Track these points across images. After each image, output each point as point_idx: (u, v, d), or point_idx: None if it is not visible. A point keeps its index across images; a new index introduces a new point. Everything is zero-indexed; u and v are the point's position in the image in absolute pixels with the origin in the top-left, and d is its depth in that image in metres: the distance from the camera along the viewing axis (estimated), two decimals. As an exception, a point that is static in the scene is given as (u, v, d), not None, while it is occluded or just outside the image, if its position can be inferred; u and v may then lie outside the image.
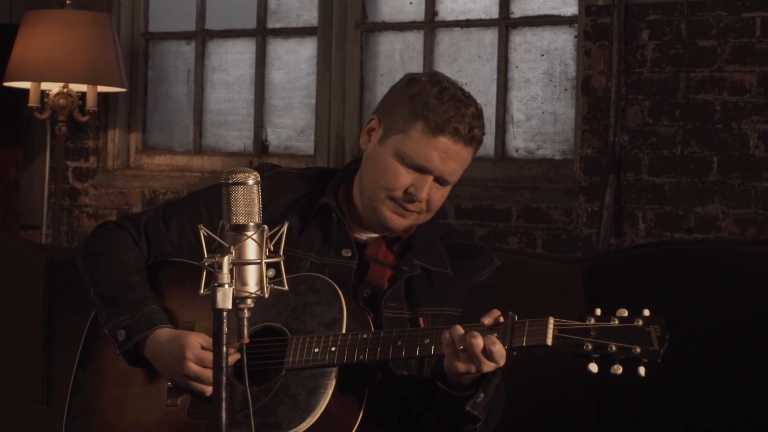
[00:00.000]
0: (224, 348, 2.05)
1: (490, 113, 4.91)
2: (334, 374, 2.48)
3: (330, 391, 2.47)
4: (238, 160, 5.39)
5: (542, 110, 4.87)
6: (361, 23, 5.23)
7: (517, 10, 4.92)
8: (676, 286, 3.14)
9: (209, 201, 2.74)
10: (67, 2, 5.24)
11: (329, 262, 2.65)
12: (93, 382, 2.74)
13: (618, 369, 2.30)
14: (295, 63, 5.40)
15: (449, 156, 2.59)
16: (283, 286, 2.18)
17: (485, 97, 4.90)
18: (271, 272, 2.21)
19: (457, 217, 4.82)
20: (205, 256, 2.08)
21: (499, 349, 2.37)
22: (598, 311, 2.37)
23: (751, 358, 3.04)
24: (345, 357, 2.48)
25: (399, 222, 2.65)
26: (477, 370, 2.40)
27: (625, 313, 2.35)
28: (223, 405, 2.04)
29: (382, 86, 5.15)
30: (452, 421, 2.54)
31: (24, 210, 5.67)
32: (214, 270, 2.05)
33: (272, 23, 5.46)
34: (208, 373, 2.50)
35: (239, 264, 2.07)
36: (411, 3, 5.16)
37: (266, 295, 2.09)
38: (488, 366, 2.39)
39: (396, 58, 5.19)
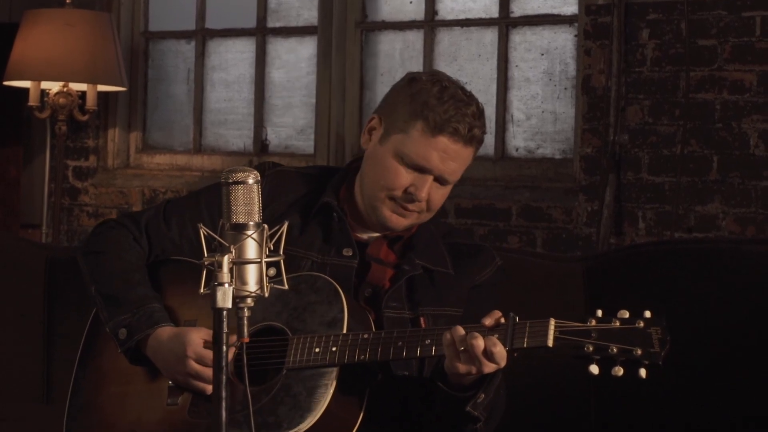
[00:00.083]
0: (224, 347, 2.05)
1: (490, 112, 4.90)
2: (334, 374, 2.47)
3: (330, 391, 2.46)
4: (238, 160, 5.39)
5: (542, 109, 4.87)
6: (361, 22, 5.23)
7: (517, 10, 4.92)
8: (676, 285, 3.14)
9: (210, 199, 2.73)
10: (67, 1, 5.24)
11: (330, 262, 2.65)
12: (93, 380, 2.73)
13: (619, 371, 2.30)
14: (295, 62, 5.40)
15: (449, 156, 2.59)
16: (283, 285, 2.18)
17: (485, 97, 4.90)
18: (272, 271, 2.21)
19: (457, 217, 4.82)
20: (205, 255, 2.08)
21: (500, 351, 2.37)
22: (599, 312, 2.36)
23: (751, 357, 3.03)
24: (346, 357, 2.47)
25: (399, 222, 2.65)
26: (478, 371, 2.39)
27: (626, 314, 2.34)
28: (223, 404, 2.04)
29: (382, 85, 5.15)
30: (453, 421, 2.54)
31: (24, 209, 5.67)
32: (214, 269, 2.05)
33: (272, 22, 5.46)
34: (210, 372, 2.50)
35: (239, 263, 2.07)
36: (411, 2, 5.16)
37: (266, 294, 2.09)
38: (489, 367, 2.39)
39: (396, 58, 5.19)
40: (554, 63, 4.84)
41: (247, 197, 2.09)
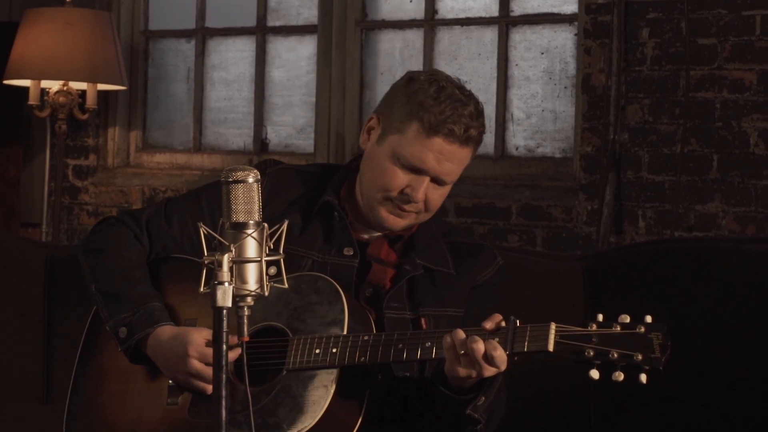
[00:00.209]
0: (224, 346, 2.05)
1: (490, 111, 4.91)
2: (334, 375, 2.47)
3: (331, 393, 2.46)
4: (238, 158, 5.39)
5: (542, 108, 4.87)
6: (361, 21, 5.23)
7: (517, 8, 4.92)
8: (676, 284, 3.14)
9: (210, 198, 2.73)
10: (67, 0, 5.24)
11: (331, 261, 2.64)
12: (94, 378, 2.73)
13: (619, 376, 2.29)
14: (295, 61, 5.41)
15: (445, 157, 2.57)
16: (283, 284, 2.18)
17: (485, 95, 4.90)
18: (273, 270, 2.21)
19: (456, 215, 4.82)
20: (206, 253, 2.08)
21: (500, 355, 2.36)
22: (600, 317, 2.35)
23: (751, 357, 3.03)
24: (346, 359, 2.47)
25: (396, 222, 2.64)
26: (478, 375, 2.39)
27: (627, 319, 2.33)
28: (223, 403, 2.04)
29: (382, 84, 5.15)
30: (453, 423, 2.54)
31: (24, 208, 5.67)
32: (215, 268, 2.05)
33: (272, 21, 5.46)
34: (211, 371, 2.50)
35: (239, 262, 2.07)
36: (411, 1, 5.16)
37: (266, 293, 2.09)
38: (489, 371, 2.38)
39: (396, 57, 5.19)
40: (554, 62, 4.84)
41: (247, 196, 2.09)
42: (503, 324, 2.40)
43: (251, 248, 2.08)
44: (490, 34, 4.98)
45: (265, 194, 2.15)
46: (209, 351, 2.51)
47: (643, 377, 2.29)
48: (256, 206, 2.10)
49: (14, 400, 3.44)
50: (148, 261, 2.75)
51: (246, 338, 2.08)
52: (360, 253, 2.66)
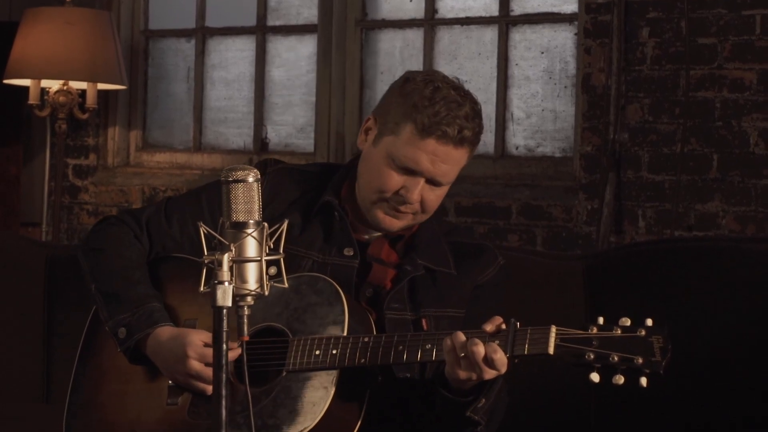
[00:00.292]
0: (224, 345, 2.05)
1: (490, 111, 4.91)
2: (334, 377, 2.47)
3: (331, 394, 2.46)
4: (238, 158, 5.39)
5: (542, 108, 4.87)
6: (361, 21, 5.23)
7: (517, 8, 4.92)
8: (676, 283, 3.14)
9: (211, 197, 2.72)
10: (67, 0, 5.24)
11: (331, 261, 2.64)
12: (94, 378, 2.73)
13: (619, 379, 2.29)
14: (295, 60, 5.41)
15: (439, 158, 2.55)
16: (283, 284, 2.18)
17: (485, 95, 4.90)
18: (273, 270, 2.21)
19: (456, 215, 4.82)
20: (206, 253, 2.08)
21: (500, 357, 2.36)
22: (601, 320, 2.34)
23: (752, 356, 3.03)
24: (346, 360, 2.46)
25: (392, 223, 2.63)
26: (478, 378, 2.39)
27: (628, 322, 2.32)
28: (223, 402, 2.04)
29: (382, 84, 5.15)
30: (453, 424, 2.53)
31: (24, 207, 5.67)
32: (214, 267, 2.05)
33: (272, 21, 5.46)
34: (211, 372, 2.50)
35: (239, 261, 2.07)
36: (411, 1, 5.16)
37: (266, 293, 2.09)
38: (489, 374, 2.38)
39: (396, 56, 5.19)
40: (554, 61, 4.84)
41: (247, 195, 2.09)
42: (503, 326, 2.40)
43: (251, 248, 2.08)
44: (490, 34, 4.98)
45: (265, 194, 2.15)
46: (208, 352, 2.51)
47: (644, 381, 2.28)
48: (256, 206, 2.10)
49: (14, 399, 3.44)
50: (148, 260, 2.75)
51: (246, 338, 2.08)
52: (360, 253, 2.65)
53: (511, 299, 2.79)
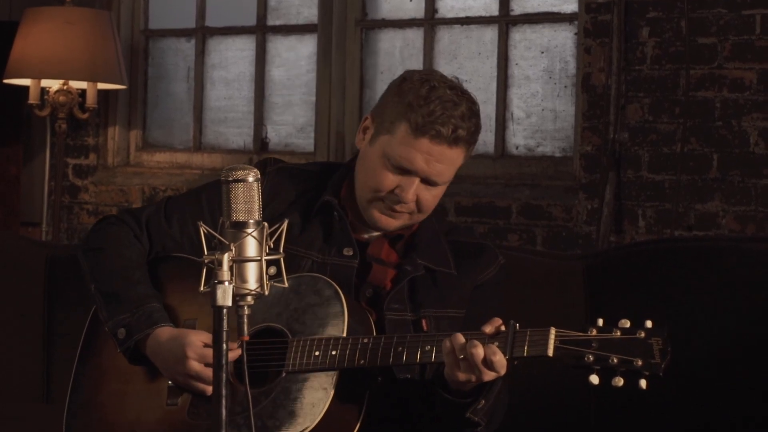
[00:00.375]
0: (224, 345, 2.05)
1: (490, 110, 4.91)
2: (334, 378, 2.47)
3: (330, 395, 2.46)
4: (238, 158, 5.39)
5: (542, 107, 4.87)
6: (361, 20, 5.23)
7: (517, 8, 4.92)
8: (676, 283, 3.14)
9: (211, 197, 2.72)
10: (67, 0, 5.24)
11: (330, 261, 2.63)
12: (93, 377, 2.73)
13: (619, 381, 2.28)
14: (295, 60, 5.41)
15: (434, 158, 2.54)
16: (283, 283, 2.18)
17: (485, 95, 4.90)
18: (272, 270, 2.21)
19: (456, 215, 4.82)
20: (206, 253, 2.08)
21: (499, 359, 2.36)
22: (600, 322, 2.34)
23: (752, 356, 3.03)
24: (345, 361, 2.46)
25: (388, 223, 2.63)
26: (477, 379, 2.38)
27: (627, 324, 2.32)
28: (223, 402, 2.04)
29: (382, 84, 5.15)
30: (453, 425, 2.53)
31: (24, 207, 5.67)
32: (214, 267, 2.05)
33: (272, 20, 5.46)
34: (210, 372, 2.49)
35: (239, 261, 2.07)
36: (411, 0, 5.16)
37: (266, 293, 2.09)
38: (489, 375, 2.37)
39: (396, 56, 5.19)
40: (554, 61, 4.84)
41: (247, 195, 2.09)
42: (503, 328, 2.39)
43: (251, 247, 2.08)
44: (490, 34, 4.98)
45: (264, 194, 2.15)
46: (208, 352, 2.51)
47: (643, 383, 2.28)
48: (257, 205, 2.10)
49: (14, 399, 3.44)
50: (147, 260, 2.75)
51: (246, 337, 2.08)
52: (360, 253, 2.65)
53: (511, 299, 2.79)
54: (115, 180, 5.65)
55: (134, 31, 5.71)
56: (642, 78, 4.53)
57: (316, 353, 2.47)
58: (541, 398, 3.12)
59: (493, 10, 4.97)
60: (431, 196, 2.61)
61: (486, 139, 4.92)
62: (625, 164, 4.55)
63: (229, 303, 2.04)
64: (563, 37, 4.83)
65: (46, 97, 5.21)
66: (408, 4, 5.17)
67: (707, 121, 4.41)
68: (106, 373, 2.71)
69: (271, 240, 2.11)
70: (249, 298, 2.08)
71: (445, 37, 5.08)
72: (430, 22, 5.09)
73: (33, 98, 5.11)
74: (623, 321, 2.33)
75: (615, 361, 2.29)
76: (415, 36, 5.14)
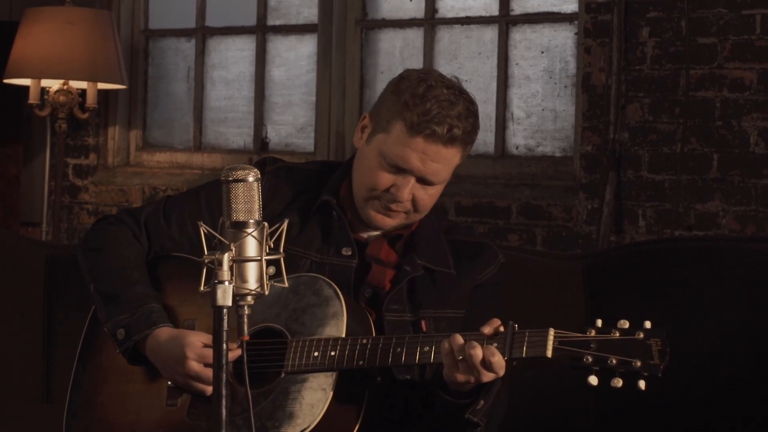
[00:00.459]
0: (224, 345, 2.05)
1: (490, 110, 4.91)
2: (333, 378, 2.46)
3: (329, 396, 2.45)
4: (238, 158, 5.39)
5: (542, 107, 4.86)
6: (362, 20, 5.23)
7: (517, 8, 4.92)
8: (676, 283, 3.14)
9: (209, 196, 2.72)
10: (67, 0, 5.24)
11: (329, 261, 2.63)
12: (94, 377, 2.72)
13: (618, 382, 2.28)
14: (295, 60, 5.41)
15: (429, 157, 2.54)
16: (283, 283, 2.18)
17: (485, 95, 4.90)
18: (272, 270, 2.21)
19: (457, 215, 4.82)
20: (206, 252, 2.08)
21: (498, 360, 2.35)
22: (599, 322, 2.33)
23: (752, 356, 3.03)
24: (344, 362, 2.46)
25: (384, 222, 2.62)
26: (476, 380, 2.38)
27: (626, 324, 2.31)
28: (223, 402, 2.04)
29: (382, 83, 5.14)
30: (452, 426, 2.52)
31: (24, 207, 5.67)
32: (215, 267, 2.05)
33: (272, 20, 5.46)
34: (210, 372, 2.49)
35: (239, 261, 2.07)
36: (411, 0, 5.16)
37: (266, 292, 2.09)
38: (487, 376, 2.37)
39: (396, 56, 5.19)
40: (554, 61, 4.84)
41: (248, 195, 2.09)
42: (502, 329, 2.39)
43: (251, 247, 2.08)
44: (490, 33, 4.98)
45: (263, 194, 2.15)
46: (207, 352, 2.51)
47: (642, 384, 2.28)
48: (257, 205, 2.10)
49: (14, 399, 3.44)
50: (146, 260, 2.74)
51: (246, 337, 2.08)
52: (359, 253, 2.64)
53: (511, 299, 2.79)
54: (115, 180, 5.65)
55: (134, 31, 5.71)
56: (642, 78, 4.53)
57: (315, 354, 2.47)
58: (541, 399, 3.12)
59: (493, 10, 4.97)
60: (427, 196, 2.61)
61: (486, 139, 4.92)
62: (625, 164, 4.55)
63: (230, 303, 2.04)
64: (563, 37, 4.83)
65: (46, 97, 5.21)
66: (408, 4, 5.17)
67: (707, 121, 4.41)
68: (106, 373, 2.71)
69: (271, 240, 2.11)
70: (249, 298, 2.08)
71: (445, 37, 5.08)
72: (430, 22, 5.09)
73: (33, 98, 5.11)
74: (622, 322, 2.32)
75: (614, 362, 2.29)
76: (415, 36, 5.14)
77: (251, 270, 2.08)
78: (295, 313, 2.54)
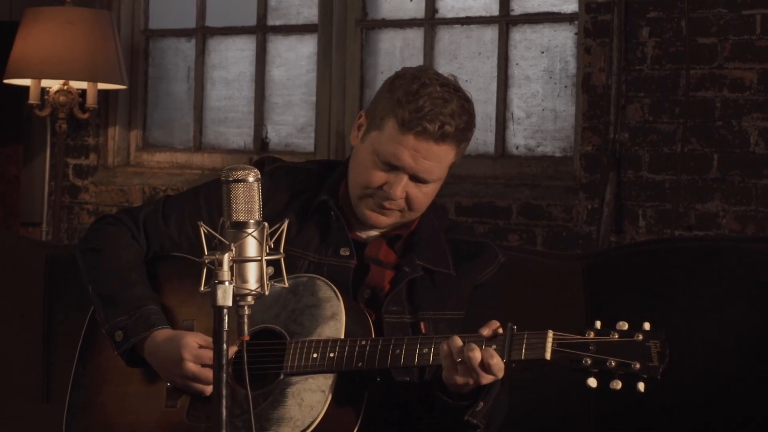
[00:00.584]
0: (224, 345, 2.05)
1: (490, 110, 4.91)
2: (332, 380, 2.46)
3: (328, 397, 2.45)
4: (239, 158, 5.39)
5: (542, 107, 4.86)
6: (362, 20, 5.23)
7: (517, 8, 4.92)
8: (676, 283, 3.14)
9: (209, 196, 2.71)
10: (67, 0, 5.24)
11: (327, 262, 2.62)
12: (93, 378, 2.72)
13: (617, 384, 2.28)
14: (296, 60, 5.40)
15: (421, 154, 2.54)
16: (283, 283, 2.18)
17: (485, 95, 4.90)
18: (270, 270, 2.21)
19: (457, 215, 4.82)
20: (206, 253, 2.07)
21: (497, 362, 2.35)
22: (598, 324, 2.33)
23: (752, 356, 3.03)
24: (343, 364, 2.45)
25: (378, 220, 2.62)
26: (475, 382, 2.38)
27: (626, 326, 2.31)
28: (224, 402, 2.04)
29: (382, 83, 5.14)
30: (452, 427, 2.52)
31: (24, 207, 5.67)
32: (215, 267, 2.05)
33: (272, 20, 5.46)
34: (207, 373, 2.49)
35: (239, 261, 2.07)
36: (411, 0, 5.16)
37: (266, 293, 2.09)
38: (486, 378, 2.37)
39: (396, 56, 5.18)
40: (554, 61, 4.84)
41: (248, 195, 2.09)
42: (500, 331, 2.39)
43: (251, 247, 2.08)
44: (491, 34, 4.98)
45: (262, 194, 2.15)
46: (204, 353, 2.50)
47: (641, 386, 2.27)
48: (257, 205, 2.10)
49: (14, 399, 3.44)
50: (145, 260, 2.74)
51: (246, 337, 2.08)
52: (358, 253, 2.64)
53: (511, 299, 2.79)
54: (116, 180, 5.65)
55: (134, 31, 5.71)
56: (642, 78, 4.52)
57: (314, 355, 2.47)
58: (540, 401, 3.12)
59: (493, 10, 4.97)
60: (422, 194, 2.60)
61: (486, 139, 4.92)
62: (626, 164, 4.55)
63: (230, 303, 2.04)
64: (563, 37, 4.83)
65: (46, 97, 5.21)
66: (408, 4, 5.16)
67: (707, 121, 4.41)
68: (106, 374, 2.71)
69: (271, 240, 2.11)
70: (249, 299, 2.08)
71: (445, 37, 5.08)
72: (431, 22, 5.09)
73: (33, 98, 5.11)
74: (621, 323, 2.32)
75: (613, 364, 2.28)
76: (416, 36, 5.14)
77: (251, 270, 2.08)
78: (294, 314, 2.53)
